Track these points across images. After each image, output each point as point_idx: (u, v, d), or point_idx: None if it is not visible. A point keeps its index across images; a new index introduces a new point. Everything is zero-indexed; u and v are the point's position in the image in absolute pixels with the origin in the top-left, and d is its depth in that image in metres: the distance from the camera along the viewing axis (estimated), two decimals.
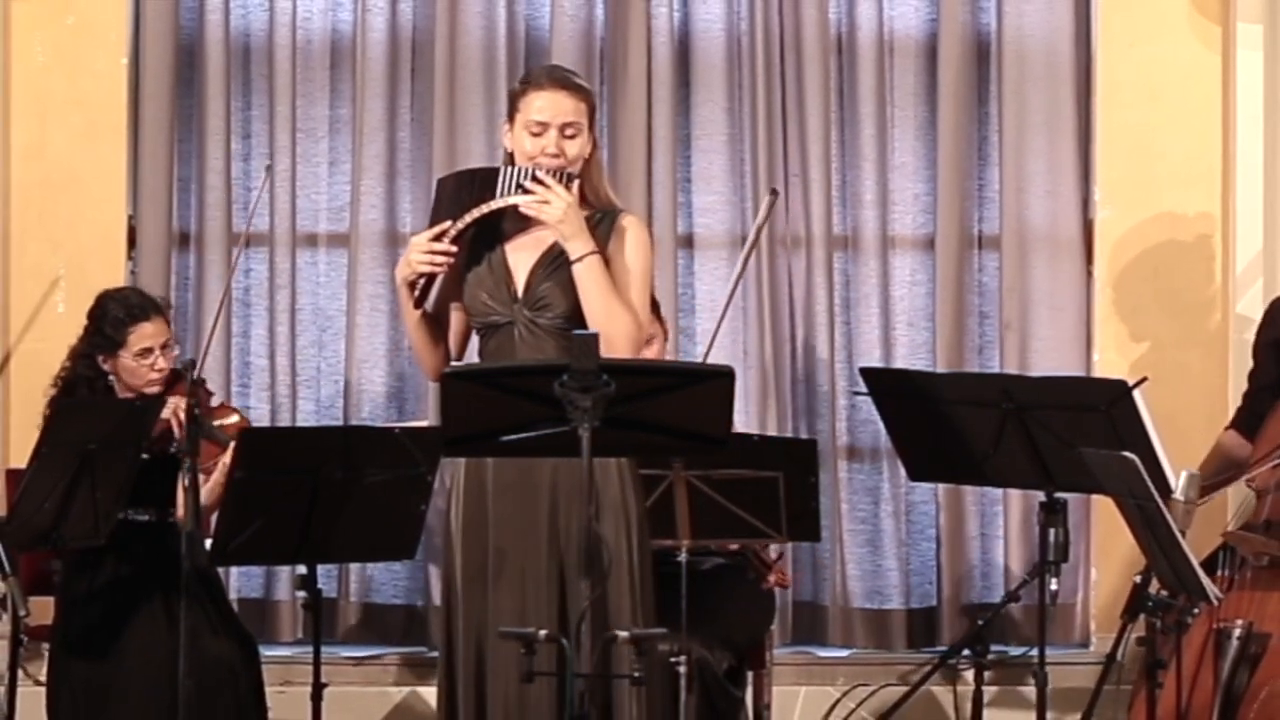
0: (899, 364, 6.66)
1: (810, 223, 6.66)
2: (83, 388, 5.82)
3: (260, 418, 6.65)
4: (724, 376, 4.52)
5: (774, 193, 6.39)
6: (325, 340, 6.78)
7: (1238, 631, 5.38)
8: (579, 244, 4.86)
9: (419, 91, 6.72)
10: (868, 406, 5.97)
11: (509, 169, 4.93)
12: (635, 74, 6.59)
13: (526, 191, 4.87)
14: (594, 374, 4.30)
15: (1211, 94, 6.61)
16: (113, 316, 5.81)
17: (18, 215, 6.60)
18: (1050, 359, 6.63)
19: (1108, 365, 6.56)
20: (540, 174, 4.87)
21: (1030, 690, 5.54)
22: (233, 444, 5.56)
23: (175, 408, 5.64)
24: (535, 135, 4.92)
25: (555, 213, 4.85)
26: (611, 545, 4.80)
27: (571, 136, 4.92)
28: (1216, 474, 5.66)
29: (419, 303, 4.98)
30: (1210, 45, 6.61)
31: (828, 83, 6.67)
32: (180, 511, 5.63)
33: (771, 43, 6.66)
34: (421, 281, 4.96)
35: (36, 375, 6.08)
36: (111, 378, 5.82)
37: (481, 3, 6.67)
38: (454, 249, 4.92)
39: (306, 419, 6.72)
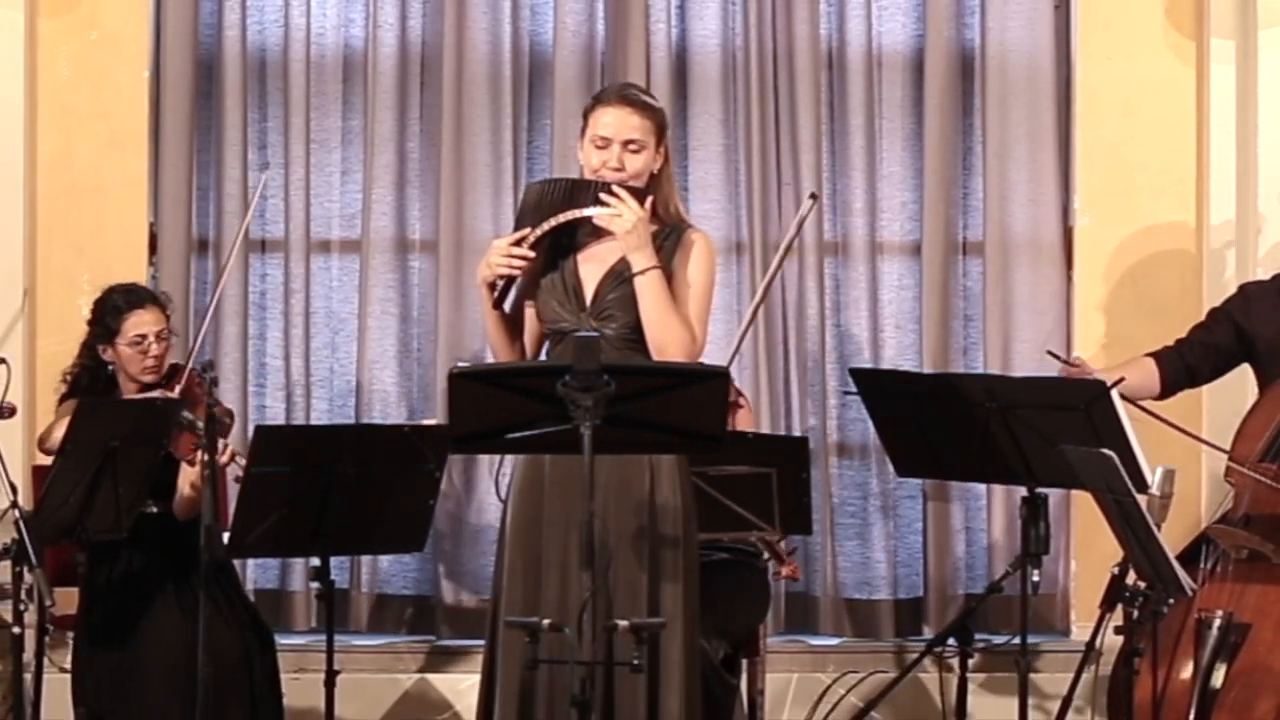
0: (887, 365, 6.72)
1: (802, 229, 6.67)
2: (85, 379, 5.89)
3: (275, 416, 6.72)
4: (719, 377, 4.61)
5: (814, 196, 6.42)
6: (338, 342, 6.83)
7: (1218, 621, 5.46)
8: (642, 257, 4.93)
9: (427, 103, 6.78)
10: (857, 405, 6.02)
11: (584, 181, 5.01)
12: None
13: (602, 204, 4.95)
14: (595, 374, 4.41)
15: (1186, 106, 6.68)
16: (111, 305, 5.88)
17: (44, 222, 6.65)
18: (1032, 360, 6.66)
19: None
20: (616, 188, 4.95)
21: (1013, 677, 5.57)
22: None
23: None
24: (599, 149, 4.99)
25: (624, 224, 4.91)
26: (662, 541, 4.89)
27: (635, 152, 4.98)
28: (1130, 388, 5.58)
29: (498, 303, 5.05)
30: (1185, 60, 6.68)
31: (819, 95, 6.74)
32: (184, 491, 5.78)
33: (765, 57, 6.73)
34: (501, 283, 5.03)
35: (60, 376, 6.13)
36: (112, 367, 5.89)
37: (487, 19, 6.73)
38: (531, 254, 4.99)
39: (319, 418, 6.76)
